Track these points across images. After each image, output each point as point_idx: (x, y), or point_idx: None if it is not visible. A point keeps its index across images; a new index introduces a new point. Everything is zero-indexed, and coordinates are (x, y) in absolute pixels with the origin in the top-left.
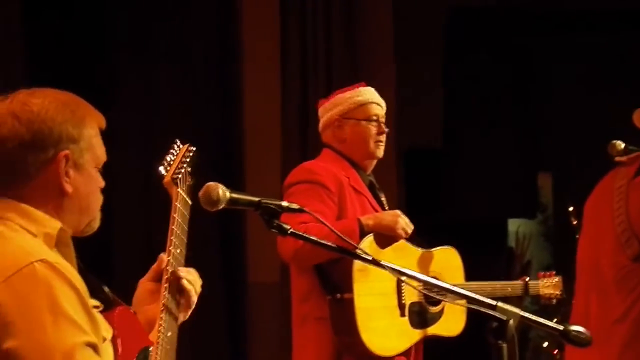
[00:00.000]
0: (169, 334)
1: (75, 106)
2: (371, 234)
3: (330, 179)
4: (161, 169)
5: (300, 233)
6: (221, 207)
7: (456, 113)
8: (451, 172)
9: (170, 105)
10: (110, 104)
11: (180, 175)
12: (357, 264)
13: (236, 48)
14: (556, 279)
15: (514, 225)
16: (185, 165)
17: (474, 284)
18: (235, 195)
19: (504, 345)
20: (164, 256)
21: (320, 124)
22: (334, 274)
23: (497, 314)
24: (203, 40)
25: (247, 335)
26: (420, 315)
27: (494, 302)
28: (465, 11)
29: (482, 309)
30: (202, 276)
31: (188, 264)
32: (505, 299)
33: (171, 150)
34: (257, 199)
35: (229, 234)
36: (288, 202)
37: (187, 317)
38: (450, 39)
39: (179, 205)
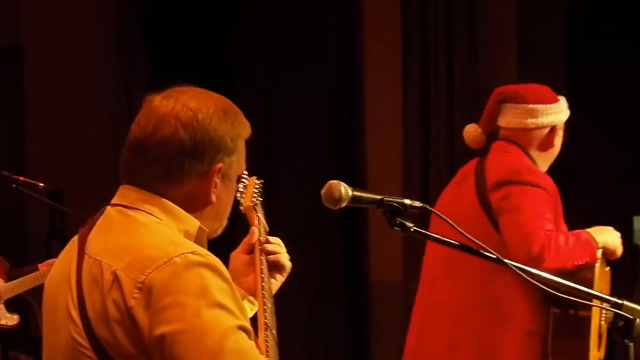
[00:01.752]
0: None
1: (233, 117)
2: (600, 251)
3: (549, 183)
4: (237, 194)
5: (423, 231)
6: (343, 205)
7: (580, 108)
8: (575, 168)
9: (291, 106)
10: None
11: (258, 202)
12: (598, 282)
13: (357, 44)
14: None
15: None
16: (258, 195)
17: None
18: (357, 193)
19: (631, 344)
20: (255, 229)
21: (530, 123)
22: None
23: (623, 313)
24: (323, 39)
25: (369, 333)
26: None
27: (620, 301)
28: (590, 3)
29: (609, 309)
30: (324, 275)
31: (311, 264)
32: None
33: (242, 180)
34: (379, 196)
35: (351, 232)
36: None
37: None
38: (574, 34)
39: (261, 228)
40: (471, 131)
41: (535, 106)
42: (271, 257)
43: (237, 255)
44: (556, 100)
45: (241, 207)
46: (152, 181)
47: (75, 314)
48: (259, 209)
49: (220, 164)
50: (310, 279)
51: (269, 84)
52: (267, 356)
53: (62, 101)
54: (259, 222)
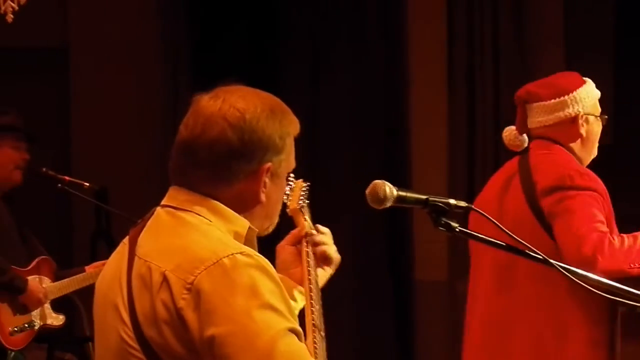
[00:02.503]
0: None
1: (281, 115)
2: None
3: (600, 185)
4: (284, 197)
5: (468, 231)
6: (388, 205)
7: (629, 103)
8: (623, 167)
9: (336, 104)
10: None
11: (305, 205)
12: None
13: (402, 42)
14: None
15: None
16: (304, 198)
17: None
18: (402, 193)
19: None
20: (305, 222)
21: (549, 120)
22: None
23: None
24: (368, 36)
25: (414, 333)
26: None
27: None
28: None
29: None
30: (369, 274)
31: (356, 264)
32: None
33: (289, 183)
34: (424, 196)
35: (396, 232)
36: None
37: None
38: (623, 30)
39: (307, 231)
40: (507, 135)
41: (550, 102)
42: (319, 248)
43: (284, 247)
44: (573, 89)
45: (288, 210)
46: (201, 182)
47: (125, 315)
48: (306, 211)
49: (269, 164)
50: (355, 279)
51: (313, 82)
52: (316, 357)
53: (107, 101)
54: (306, 226)
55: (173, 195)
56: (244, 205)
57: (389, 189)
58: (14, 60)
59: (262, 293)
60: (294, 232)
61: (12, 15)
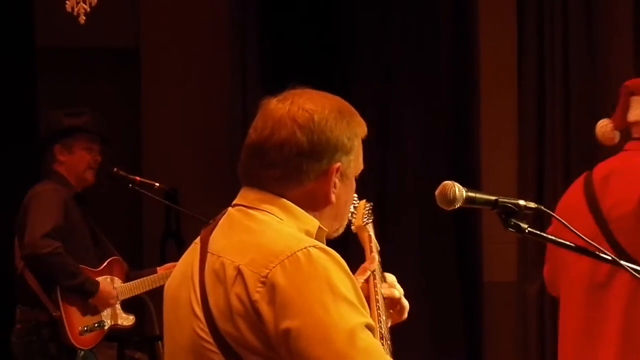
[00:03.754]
0: None
1: (349, 116)
2: None
3: None
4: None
5: (538, 232)
6: (457, 205)
7: None
8: None
9: (406, 107)
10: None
11: (369, 222)
12: None
13: (472, 45)
14: None
15: None
16: (368, 216)
17: None
18: (471, 194)
19: None
20: (375, 256)
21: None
22: None
23: None
24: (438, 40)
25: (483, 334)
26: None
27: None
28: None
29: None
30: (438, 275)
31: (425, 265)
32: None
33: (352, 203)
34: (493, 197)
35: (465, 233)
36: None
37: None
38: None
39: (373, 245)
40: (602, 126)
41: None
42: (391, 299)
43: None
44: None
45: (353, 227)
46: (271, 183)
47: (198, 310)
48: (370, 228)
49: (339, 164)
50: (424, 280)
51: (383, 85)
52: None
53: (178, 101)
54: (370, 241)
55: (244, 195)
56: (314, 205)
57: (459, 190)
58: (86, 61)
59: (337, 286)
60: (365, 265)
61: (84, 17)
